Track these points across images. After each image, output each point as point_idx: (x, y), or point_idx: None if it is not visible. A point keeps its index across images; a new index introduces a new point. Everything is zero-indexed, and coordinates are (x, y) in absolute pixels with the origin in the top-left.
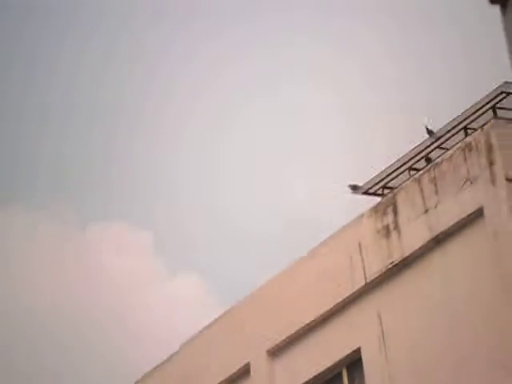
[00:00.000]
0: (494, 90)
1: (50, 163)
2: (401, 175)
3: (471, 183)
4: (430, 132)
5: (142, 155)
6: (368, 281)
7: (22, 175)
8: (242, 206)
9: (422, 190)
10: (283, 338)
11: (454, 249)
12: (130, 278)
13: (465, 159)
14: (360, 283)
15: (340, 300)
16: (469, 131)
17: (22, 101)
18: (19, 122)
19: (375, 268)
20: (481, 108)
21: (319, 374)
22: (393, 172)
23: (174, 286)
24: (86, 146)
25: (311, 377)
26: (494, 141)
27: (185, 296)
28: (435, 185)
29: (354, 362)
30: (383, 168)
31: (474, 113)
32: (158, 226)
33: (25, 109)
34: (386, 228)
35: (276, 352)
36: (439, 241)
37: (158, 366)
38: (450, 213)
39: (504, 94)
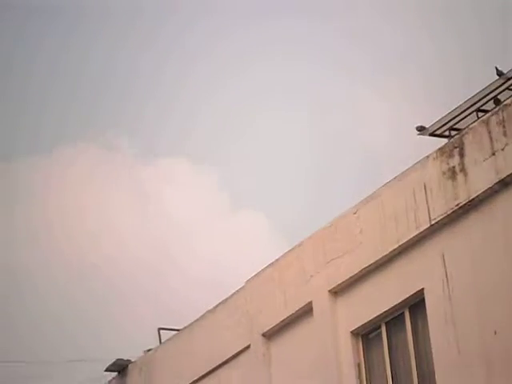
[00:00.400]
0: None
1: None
2: (468, 117)
3: None
4: (499, 73)
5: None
6: (432, 222)
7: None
8: (308, 150)
9: (489, 132)
10: (346, 277)
11: None
12: (193, 215)
13: None
14: (424, 225)
15: (404, 241)
16: None
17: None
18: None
19: (440, 210)
20: None
21: (381, 315)
22: (460, 113)
23: (238, 224)
24: None
25: (373, 317)
26: None
27: (248, 234)
28: (503, 127)
29: (416, 304)
30: (451, 109)
31: None
32: (223, 164)
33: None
34: (452, 170)
35: (338, 292)
36: (506, 183)
37: (222, 301)
38: None
39: None
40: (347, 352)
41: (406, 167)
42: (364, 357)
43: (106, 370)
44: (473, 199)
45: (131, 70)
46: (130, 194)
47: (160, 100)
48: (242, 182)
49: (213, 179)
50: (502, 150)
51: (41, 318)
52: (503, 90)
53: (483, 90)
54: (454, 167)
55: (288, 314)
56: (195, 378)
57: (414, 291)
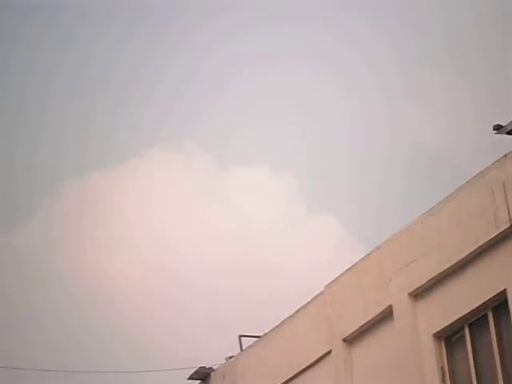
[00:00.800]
0: None
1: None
2: None
3: None
4: None
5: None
6: None
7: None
8: (384, 154)
9: None
10: (425, 280)
11: None
12: (271, 220)
13: None
14: (504, 225)
15: (483, 242)
16: None
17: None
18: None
19: None
20: None
21: (463, 317)
22: None
23: (315, 228)
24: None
25: (455, 319)
26: None
27: (325, 238)
28: None
29: (499, 305)
30: None
31: None
32: (299, 170)
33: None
34: None
35: (418, 294)
36: None
37: (301, 307)
38: None
39: None
40: (430, 355)
41: (483, 167)
42: (447, 360)
43: (189, 379)
44: None
45: (212, 73)
46: (209, 201)
47: (231, 109)
48: (318, 188)
49: (288, 185)
50: None
51: (124, 327)
52: None
53: None
54: None
55: (368, 319)
56: None
57: (496, 292)
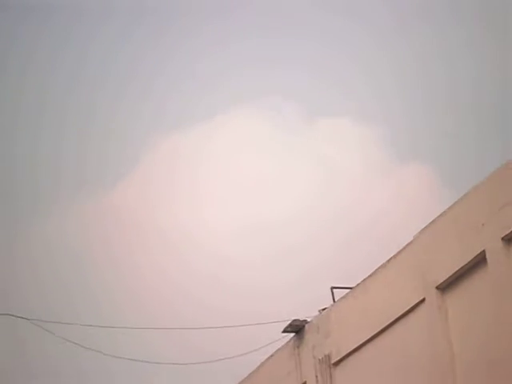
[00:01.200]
0: None
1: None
2: None
3: None
4: None
5: None
6: None
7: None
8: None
9: None
10: None
11: None
12: (359, 171)
13: None
14: None
15: None
16: None
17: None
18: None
19: None
20: None
21: None
22: None
23: (405, 177)
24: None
25: None
26: None
27: (416, 187)
28: None
29: None
30: None
31: None
32: (388, 121)
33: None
34: None
35: None
36: None
37: (393, 256)
38: None
39: None
40: None
41: None
42: None
43: (284, 331)
44: None
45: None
46: (297, 156)
47: (315, 61)
48: (406, 137)
49: (376, 135)
50: None
51: (221, 280)
52: None
53: None
54: None
55: (461, 265)
56: (372, 334)
57: None
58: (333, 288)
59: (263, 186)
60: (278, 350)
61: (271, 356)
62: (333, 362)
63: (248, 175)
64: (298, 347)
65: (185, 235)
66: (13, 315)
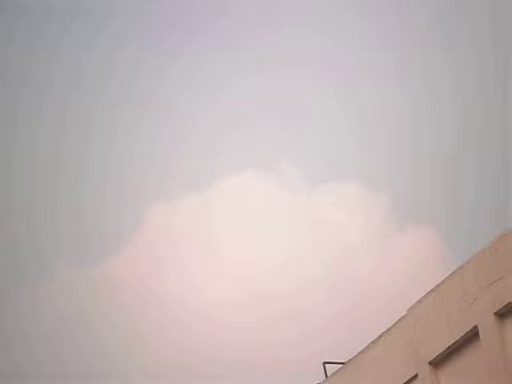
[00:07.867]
0: None
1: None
2: None
3: None
4: None
5: None
6: None
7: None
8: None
9: None
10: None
11: None
12: (360, 236)
13: None
14: None
15: None
16: None
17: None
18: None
19: None
20: None
21: None
22: None
23: (406, 242)
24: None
25: None
26: None
27: (417, 252)
28: None
29: None
30: None
31: None
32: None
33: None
34: None
35: (505, 314)
36: None
37: (385, 331)
38: None
39: None
40: None
41: None
42: None
43: None
44: None
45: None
46: (301, 219)
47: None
48: (409, 202)
49: (380, 201)
50: None
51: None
52: None
53: None
54: None
55: (453, 340)
56: None
57: None
58: (325, 363)
59: (260, 254)
60: None
61: None
62: None
63: (245, 243)
64: None
65: (180, 303)
66: None
